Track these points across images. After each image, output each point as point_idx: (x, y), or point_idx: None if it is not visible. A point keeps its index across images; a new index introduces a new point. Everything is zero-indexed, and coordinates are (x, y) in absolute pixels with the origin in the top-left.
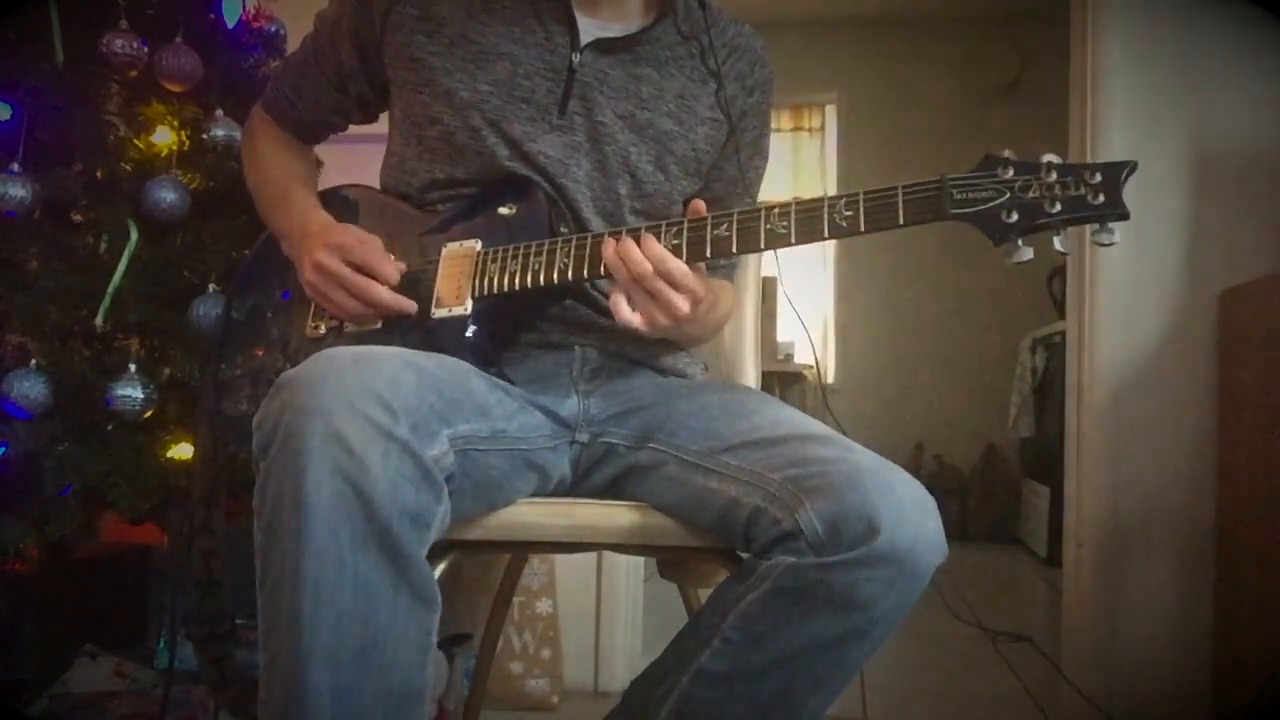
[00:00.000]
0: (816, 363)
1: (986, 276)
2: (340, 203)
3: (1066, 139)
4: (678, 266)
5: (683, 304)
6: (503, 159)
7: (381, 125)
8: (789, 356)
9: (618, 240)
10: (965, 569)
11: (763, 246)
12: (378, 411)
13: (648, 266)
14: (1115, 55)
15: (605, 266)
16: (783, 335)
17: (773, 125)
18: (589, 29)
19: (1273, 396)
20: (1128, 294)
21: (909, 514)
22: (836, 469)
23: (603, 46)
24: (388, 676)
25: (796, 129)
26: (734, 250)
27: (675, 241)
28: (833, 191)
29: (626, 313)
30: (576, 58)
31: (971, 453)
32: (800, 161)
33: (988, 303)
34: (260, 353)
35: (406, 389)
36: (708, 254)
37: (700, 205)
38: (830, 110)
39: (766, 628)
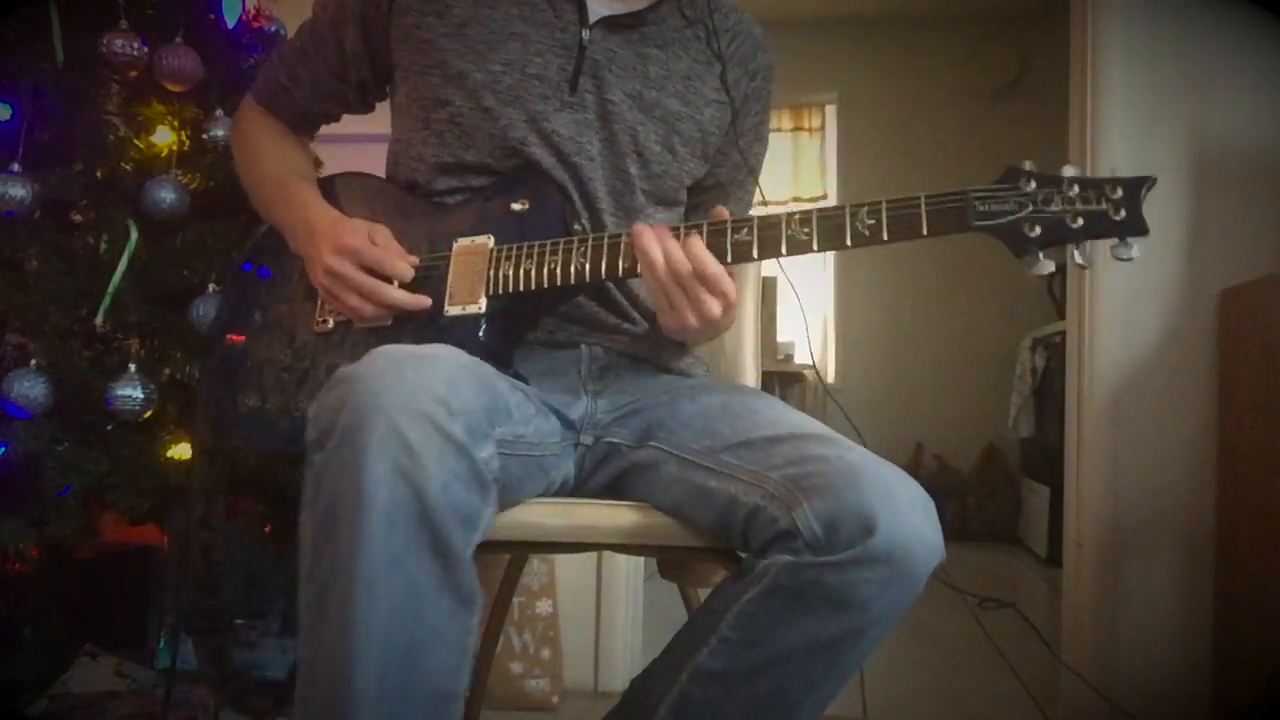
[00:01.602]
0: (815, 363)
1: (986, 276)
2: (343, 193)
3: (1066, 139)
4: (716, 270)
5: (715, 306)
6: (514, 140)
7: (382, 124)
8: (789, 356)
9: (657, 234)
10: (965, 569)
11: (784, 252)
12: (437, 411)
13: (687, 266)
14: (1115, 55)
15: (639, 261)
16: (783, 335)
17: (773, 125)
18: (596, 7)
19: (1273, 396)
20: (1128, 294)
21: (905, 514)
22: (834, 468)
23: (611, 24)
24: (429, 678)
25: (796, 129)
26: (755, 255)
27: None
28: (833, 191)
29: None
30: (586, 34)
31: (971, 453)
32: (800, 161)
33: (988, 303)
34: (261, 348)
35: (463, 390)
36: (729, 259)
37: (723, 211)
38: (830, 110)
39: (763, 627)
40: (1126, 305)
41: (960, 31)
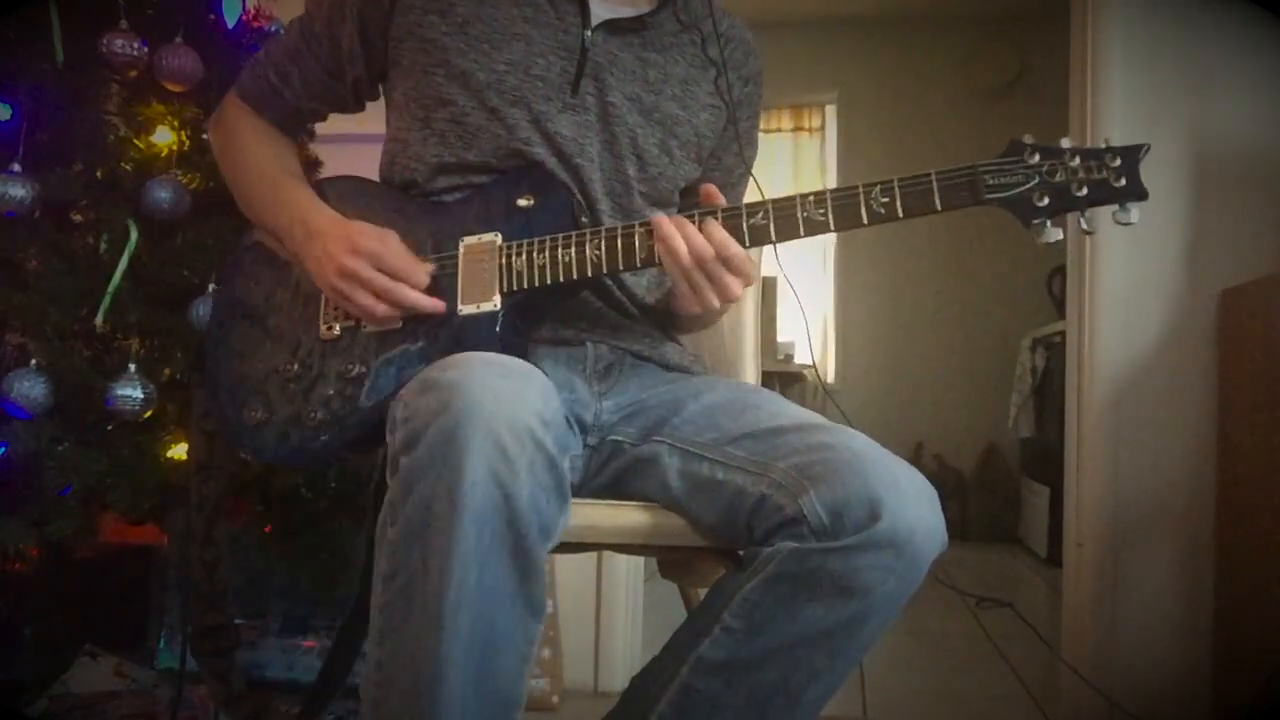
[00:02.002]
0: (815, 363)
1: (986, 277)
2: (337, 196)
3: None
4: (738, 251)
5: (738, 286)
6: (518, 140)
7: (382, 124)
8: (789, 356)
9: (675, 221)
10: (965, 569)
11: (802, 233)
12: (534, 421)
13: (710, 250)
14: (1115, 55)
15: (660, 249)
16: (783, 335)
17: (773, 125)
18: (598, 11)
19: (1273, 396)
20: (1128, 294)
21: (910, 501)
22: (839, 456)
23: (612, 27)
24: (498, 682)
25: (796, 129)
26: (773, 238)
27: None
28: None
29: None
30: (589, 36)
31: (971, 453)
32: (800, 161)
33: (988, 303)
34: (263, 358)
35: (553, 401)
36: (746, 243)
37: (713, 189)
38: (830, 110)
39: (767, 615)
40: (1126, 305)
41: (960, 31)
